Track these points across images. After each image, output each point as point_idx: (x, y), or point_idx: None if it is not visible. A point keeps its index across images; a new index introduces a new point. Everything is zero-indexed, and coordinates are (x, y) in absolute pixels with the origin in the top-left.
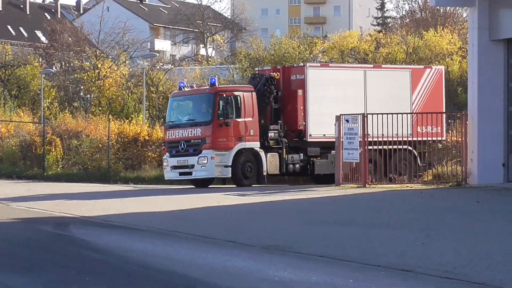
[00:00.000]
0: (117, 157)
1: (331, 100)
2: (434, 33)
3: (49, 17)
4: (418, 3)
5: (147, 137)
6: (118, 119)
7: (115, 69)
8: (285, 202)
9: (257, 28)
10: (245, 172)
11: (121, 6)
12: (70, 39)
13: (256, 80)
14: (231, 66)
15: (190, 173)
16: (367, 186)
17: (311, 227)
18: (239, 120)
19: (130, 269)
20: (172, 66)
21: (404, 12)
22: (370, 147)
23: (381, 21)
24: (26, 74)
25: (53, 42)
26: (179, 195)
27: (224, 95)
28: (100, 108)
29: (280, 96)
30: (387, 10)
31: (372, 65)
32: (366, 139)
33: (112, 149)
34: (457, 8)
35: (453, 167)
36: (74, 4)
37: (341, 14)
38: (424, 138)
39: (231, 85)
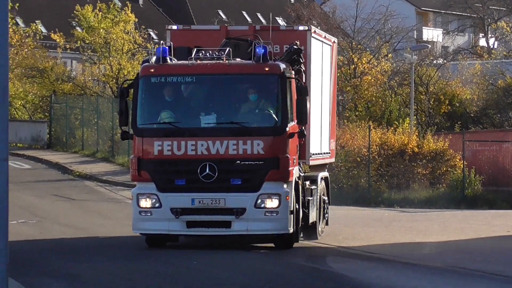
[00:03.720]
0: (379, 174)
1: (319, 94)
2: None
3: (293, 1)
4: None
5: (416, 149)
6: (380, 127)
7: (375, 64)
8: None
9: None
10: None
11: None
12: (319, 27)
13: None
14: None
15: (227, 224)
16: None
17: None
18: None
19: None
20: (445, 61)
21: None
22: None
23: None
24: None
25: None
26: (459, 222)
27: (298, 81)
28: (356, 113)
29: None
30: None
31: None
32: None
33: (374, 164)
34: None
35: None
36: None
37: None
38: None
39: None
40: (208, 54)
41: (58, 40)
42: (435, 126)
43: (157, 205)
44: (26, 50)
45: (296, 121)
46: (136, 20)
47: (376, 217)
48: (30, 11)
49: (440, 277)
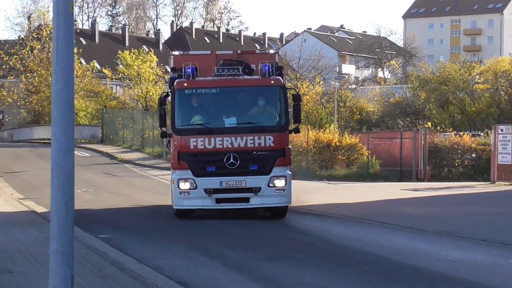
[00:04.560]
0: (314, 159)
1: None
2: None
3: (258, 47)
4: None
5: (338, 143)
6: (314, 129)
7: (311, 88)
8: (451, 196)
9: (424, 55)
10: None
11: (316, 38)
12: None
13: (246, 69)
14: (404, 86)
15: (247, 200)
16: None
17: (474, 217)
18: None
19: (329, 248)
20: (356, 86)
21: None
22: None
23: None
24: None
25: None
26: (365, 190)
27: (295, 90)
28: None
29: None
30: None
31: None
32: None
33: (310, 152)
34: None
35: None
36: (278, 36)
37: (494, 43)
38: None
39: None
40: (225, 71)
41: (107, 73)
42: (350, 128)
43: (193, 187)
44: (86, 79)
45: (293, 120)
46: (157, 60)
47: (313, 187)
48: (89, 54)
49: (353, 224)
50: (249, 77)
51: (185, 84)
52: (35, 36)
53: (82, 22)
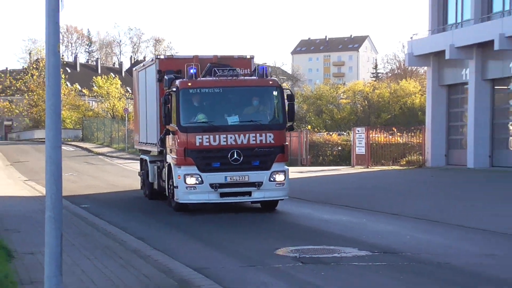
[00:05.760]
0: None
1: None
2: (405, 81)
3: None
4: (397, 64)
5: None
6: None
7: None
8: (325, 176)
9: (306, 79)
10: None
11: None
12: None
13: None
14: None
15: (249, 194)
16: (369, 167)
17: (340, 190)
18: None
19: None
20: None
21: (388, 70)
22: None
23: (375, 75)
24: None
25: None
26: None
27: (289, 90)
28: None
29: None
30: (378, 68)
31: None
32: (369, 141)
33: None
34: (419, 67)
35: (417, 156)
36: None
37: (353, 71)
38: None
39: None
40: (225, 72)
41: (85, 92)
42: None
43: (199, 181)
44: (71, 97)
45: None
46: (121, 83)
47: None
48: (72, 79)
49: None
50: (249, 77)
51: (189, 84)
52: (34, 66)
53: (67, 57)
